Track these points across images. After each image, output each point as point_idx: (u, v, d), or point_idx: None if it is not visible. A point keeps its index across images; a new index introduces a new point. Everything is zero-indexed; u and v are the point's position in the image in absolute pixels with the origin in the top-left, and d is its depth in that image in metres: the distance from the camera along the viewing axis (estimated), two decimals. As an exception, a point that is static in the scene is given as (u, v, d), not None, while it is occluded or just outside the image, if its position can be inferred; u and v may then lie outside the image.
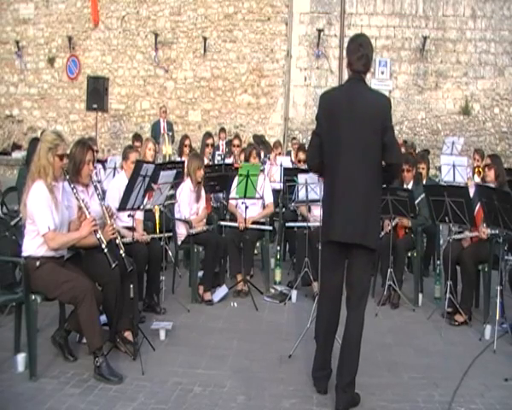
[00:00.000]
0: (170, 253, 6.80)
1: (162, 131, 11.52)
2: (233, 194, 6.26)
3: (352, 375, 3.61)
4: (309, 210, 6.35)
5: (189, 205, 6.12)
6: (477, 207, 5.28)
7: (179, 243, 6.13)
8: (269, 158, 8.86)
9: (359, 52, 3.58)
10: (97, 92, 13.42)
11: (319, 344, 3.83)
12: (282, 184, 7.50)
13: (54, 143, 3.97)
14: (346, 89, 3.77)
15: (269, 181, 6.99)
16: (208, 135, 8.72)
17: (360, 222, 3.53)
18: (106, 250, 4.03)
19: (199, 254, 5.96)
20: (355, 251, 3.59)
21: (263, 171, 7.15)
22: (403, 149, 10.72)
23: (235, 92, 15.12)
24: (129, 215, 4.74)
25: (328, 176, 3.70)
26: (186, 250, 6.54)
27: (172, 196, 6.16)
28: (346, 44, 3.87)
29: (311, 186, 6.02)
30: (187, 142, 8.17)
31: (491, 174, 5.59)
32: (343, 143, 3.56)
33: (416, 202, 5.73)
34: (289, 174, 7.09)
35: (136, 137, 9.77)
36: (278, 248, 7.04)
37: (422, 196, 5.65)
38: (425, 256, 6.96)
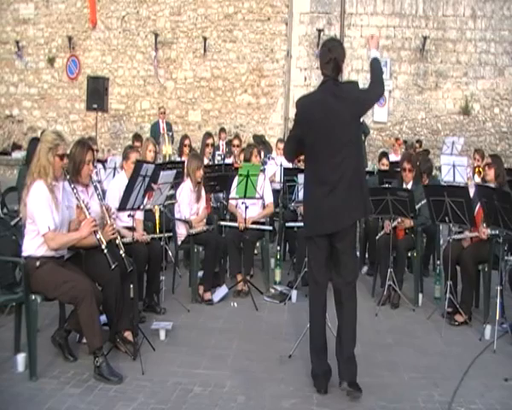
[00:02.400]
0: (170, 253, 6.80)
1: (162, 132, 11.52)
2: (233, 194, 6.26)
3: (352, 348, 3.74)
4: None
5: (189, 205, 6.12)
6: (477, 207, 5.27)
7: (179, 243, 6.14)
8: (269, 158, 8.85)
9: (327, 57, 3.78)
10: (97, 92, 13.41)
11: (316, 342, 3.85)
12: (282, 184, 7.50)
13: (54, 143, 3.98)
14: (320, 92, 3.89)
15: (269, 181, 6.99)
16: (208, 135, 8.72)
17: (348, 207, 3.69)
18: (106, 251, 4.03)
19: (199, 254, 5.96)
20: (338, 237, 3.73)
21: (263, 171, 7.15)
22: (403, 149, 10.77)
23: (235, 92, 15.11)
24: (129, 215, 4.74)
25: (313, 173, 3.84)
26: (186, 250, 6.54)
27: (172, 196, 6.16)
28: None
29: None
30: (187, 142, 8.18)
31: (491, 173, 5.58)
32: (325, 141, 3.72)
33: (417, 206, 5.71)
34: (289, 174, 7.09)
35: (137, 137, 9.76)
36: (278, 248, 7.03)
37: (423, 202, 5.63)
38: (425, 256, 6.95)
